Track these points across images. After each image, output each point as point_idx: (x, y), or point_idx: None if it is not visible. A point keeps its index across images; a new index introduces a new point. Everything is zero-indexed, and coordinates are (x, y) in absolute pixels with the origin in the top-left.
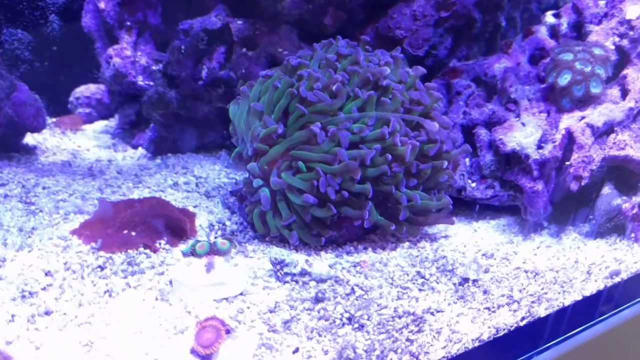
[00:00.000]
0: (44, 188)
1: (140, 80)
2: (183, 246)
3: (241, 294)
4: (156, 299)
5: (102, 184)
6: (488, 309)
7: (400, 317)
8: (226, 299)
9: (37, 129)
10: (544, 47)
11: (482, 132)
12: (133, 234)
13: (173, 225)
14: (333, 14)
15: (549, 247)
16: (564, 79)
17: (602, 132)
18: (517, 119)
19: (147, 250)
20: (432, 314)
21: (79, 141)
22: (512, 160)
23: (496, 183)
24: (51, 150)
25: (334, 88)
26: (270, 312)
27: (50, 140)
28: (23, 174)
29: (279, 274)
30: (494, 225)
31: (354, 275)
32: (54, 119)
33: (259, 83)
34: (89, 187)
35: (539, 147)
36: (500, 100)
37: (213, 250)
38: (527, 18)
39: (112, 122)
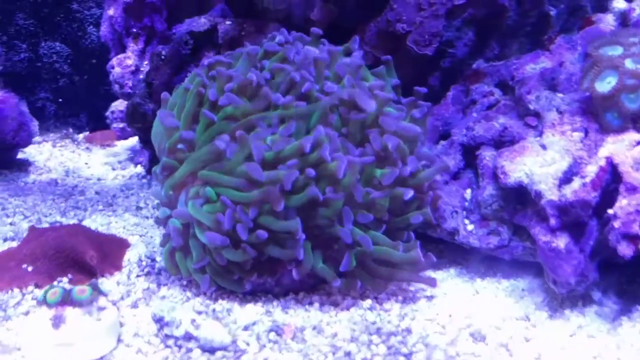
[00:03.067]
0: (3, 209)
1: None
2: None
3: (101, 358)
4: None
5: (71, 205)
6: None
7: None
8: None
9: (19, 144)
10: None
11: (486, 155)
12: (30, 269)
13: (80, 261)
14: (321, 8)
15: (592, 338)
16: (606, 84)
17: None
18: (539, 138)
19: (38, 290)
20: None
21: (93, 158)
22: (525, 198)
23: (503, 228)
24: (46, 168)
25: (263, 89)
26: None
27: (59, 157)
28: None
29: (160, 334)
30: (507, 288)
31: (263, 346)
32: (86, 134)
33: (176, 88)
34: (54, 209)
35: (564, 181)
36: (519, 112)
37: (66, 299)
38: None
39: None
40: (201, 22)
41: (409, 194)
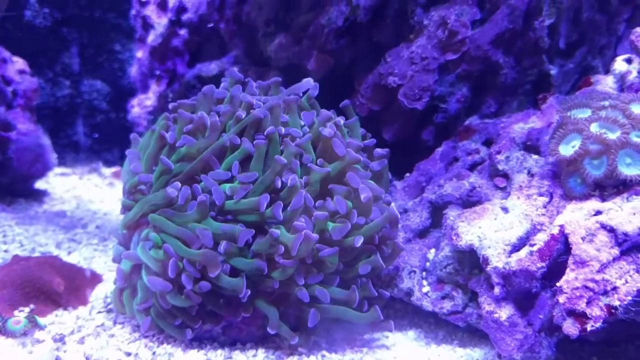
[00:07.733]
0: (4, 236)
1: None
2: (51, 317)
3: None
4: None
5: (68, 238)
6: None
7: None
8: None
9: (34, 175)
10: None
11: (451, 215)
12: None
13: (47, 290)
14: (317, 58)
15: None
16: (570, 148)
17: (637, 244)
18: (504, 200)
19: None
20: None
21: (112, 193)
22: (480, 263)
23: (457, 293)
24: (61, 199)
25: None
26: None
27: (79, 190)
28: (5, 219)
29: None
30: (461, 358)
31: None
32: (115, 169)
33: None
34: (52, 240)
35: (517, 248)
36: (490, 173)
37: (0, 329)
38: None
39: None
40: (211, 67)
41: (359, 241)
